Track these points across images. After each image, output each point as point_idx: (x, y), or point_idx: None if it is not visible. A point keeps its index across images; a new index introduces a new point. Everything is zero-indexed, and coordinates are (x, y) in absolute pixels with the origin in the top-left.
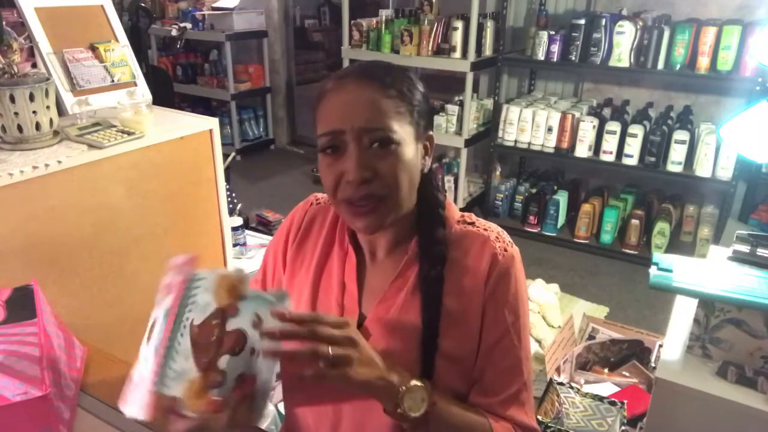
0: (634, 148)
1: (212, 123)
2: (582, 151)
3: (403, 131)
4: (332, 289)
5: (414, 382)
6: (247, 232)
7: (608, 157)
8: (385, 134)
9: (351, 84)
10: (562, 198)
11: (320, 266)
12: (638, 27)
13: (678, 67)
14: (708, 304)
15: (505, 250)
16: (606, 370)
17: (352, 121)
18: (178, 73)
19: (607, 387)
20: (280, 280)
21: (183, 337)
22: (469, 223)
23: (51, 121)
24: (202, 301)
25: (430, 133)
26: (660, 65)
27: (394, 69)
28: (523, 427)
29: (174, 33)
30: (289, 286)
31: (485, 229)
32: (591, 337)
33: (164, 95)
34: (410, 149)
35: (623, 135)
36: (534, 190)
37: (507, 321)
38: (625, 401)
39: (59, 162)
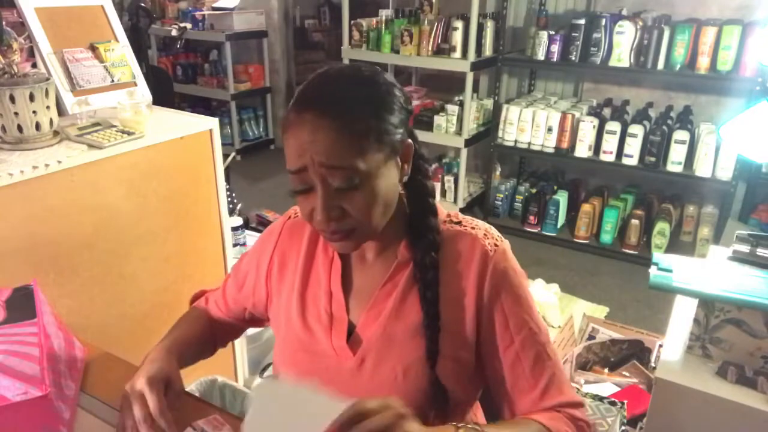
0: (634, 148)
1: (212, 123)
2: (582, 151)
3: (370, 163)
4: (319, 297)
5: None
6: (247, 232)
7: (608, 157)
8: (347, 174)
9: (308, 122)
10: (562, 198)
11: (305, 276)
12: (638, 27)
13: (678, 67)
14: (708, 304)
15: (496, 246)
16: (606, 370)
17: (312, 156)
18: (178, 73)
19: (607, 387)
20: (262, 294)
21: None
22: (456, 223)
23: (51, 121)
24: None
25: (408, 141)
26: (660, 65)
27: (358, 93)
28: (565, 405)
29: (174, 33)
30: (276, 300)
31: (473, 228)
32: (591, 337)
33: (164, 95)
34: (382, 178)
35: (623, 135)
36: (534, 190)
37: (522, 314)
38: (625, 401)
39: (59, 162)
